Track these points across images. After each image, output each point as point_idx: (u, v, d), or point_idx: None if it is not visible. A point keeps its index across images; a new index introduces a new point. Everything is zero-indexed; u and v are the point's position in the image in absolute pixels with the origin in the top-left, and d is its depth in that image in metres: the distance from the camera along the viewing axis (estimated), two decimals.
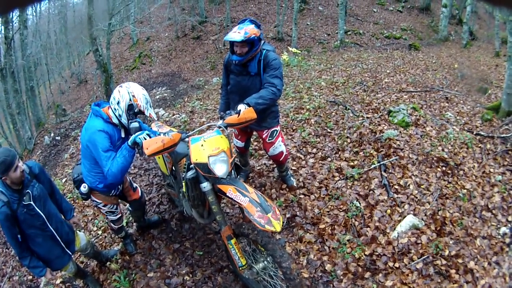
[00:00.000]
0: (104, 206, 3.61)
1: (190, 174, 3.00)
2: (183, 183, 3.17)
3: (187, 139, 3.02)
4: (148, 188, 5.17)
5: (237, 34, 3.26)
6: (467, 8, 16.45)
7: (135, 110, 3.09)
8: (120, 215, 3.84)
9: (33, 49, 18.80)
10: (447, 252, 3.58)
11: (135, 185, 4.01)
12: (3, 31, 12.77)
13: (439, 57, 12.03)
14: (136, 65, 20.99)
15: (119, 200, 3.88)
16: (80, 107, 18.21)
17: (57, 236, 3.19)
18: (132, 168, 5.64)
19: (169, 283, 3.66)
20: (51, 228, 3.11)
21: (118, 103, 3.08)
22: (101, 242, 4.50)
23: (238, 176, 3.17)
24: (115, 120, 3.17)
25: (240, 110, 3.08)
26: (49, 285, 4.16)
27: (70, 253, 3.39)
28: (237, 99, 3.57)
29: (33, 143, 12.65)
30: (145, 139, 2.89)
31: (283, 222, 3.55)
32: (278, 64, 3.51)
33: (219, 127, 3.06)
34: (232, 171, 2.97)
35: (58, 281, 4.13)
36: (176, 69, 19.25)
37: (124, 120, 3.13)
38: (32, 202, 2.92)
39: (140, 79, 19.06)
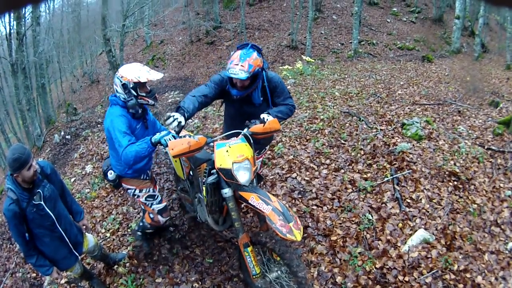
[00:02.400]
0: (140, 191, 3.55)
1: (211, 179, 3.01)
2: (204, 188, 3.17)
3: (212, 143, 3.03)
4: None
5: (240, 68, 2.93)
6: (480, 20, 16.31)
7: (131, 86, 3.09)
8: (165, 203, 3.68)
9: (46, 46, 18.88)
10: (456, 267, 3.57)
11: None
12: (15, 27, 12.85)
13: (452, 70, 11.96)
14: None
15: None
16: (91, 107, 18.25)
17: (66, 238, 3.19)
18: None
19: None
20: (60, 229, 3.12)
21: (117, 90, 3.17)
22: (109, 245, 4.49)
23: (259, 185, 3.15)
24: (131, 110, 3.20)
25: (264, 118, 3.05)
26: (54, 284, 4.17)
27: (77, 255, 3.39)
28: (238, 123, 3.41)
29: (42, 140, 12.69)
30: (170, 140, 2.88)
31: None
32: (283, 85, 3.37)
33: (244, 135, 3.05)
34: (254, 179, 2.97)
35: (63, 281, 4.14)
36: (189, 73, 19.23)
37: (132, 102, 3.14)
38: (42, 202, 2.92)
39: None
